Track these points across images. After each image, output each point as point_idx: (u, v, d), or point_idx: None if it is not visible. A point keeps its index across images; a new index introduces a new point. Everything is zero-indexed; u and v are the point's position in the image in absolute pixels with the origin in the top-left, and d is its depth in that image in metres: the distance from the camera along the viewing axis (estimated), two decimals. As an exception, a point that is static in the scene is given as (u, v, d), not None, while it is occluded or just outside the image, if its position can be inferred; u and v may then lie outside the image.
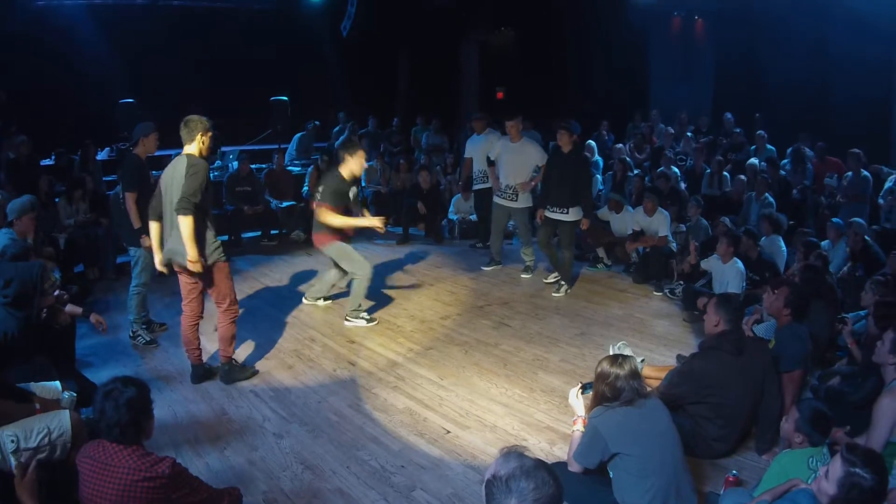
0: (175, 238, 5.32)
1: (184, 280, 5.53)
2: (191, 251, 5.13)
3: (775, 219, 8.33)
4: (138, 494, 2.93)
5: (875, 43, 10.55)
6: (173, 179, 5.24)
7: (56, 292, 5.33)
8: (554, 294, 8.15)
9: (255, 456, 4.62)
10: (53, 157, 10.82)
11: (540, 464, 2.04)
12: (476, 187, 9.92)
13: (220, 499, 3.31)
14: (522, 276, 8.87)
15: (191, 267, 5.18)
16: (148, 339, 6.56)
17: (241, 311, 7.49)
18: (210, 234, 5.36)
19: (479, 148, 9.54)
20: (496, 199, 8.87)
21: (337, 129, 14.11)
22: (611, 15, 13.94)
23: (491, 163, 8.95)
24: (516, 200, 8.65)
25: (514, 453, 2.07)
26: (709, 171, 11.10)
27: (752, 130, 12.27)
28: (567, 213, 7.95)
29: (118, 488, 2.92)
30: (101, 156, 11.71)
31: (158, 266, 5.67)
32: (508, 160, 8.59)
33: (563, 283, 8.24)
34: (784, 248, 7.97)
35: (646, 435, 3.57)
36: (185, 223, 5.06)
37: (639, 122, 14.25)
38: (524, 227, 8.85)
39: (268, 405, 5.37)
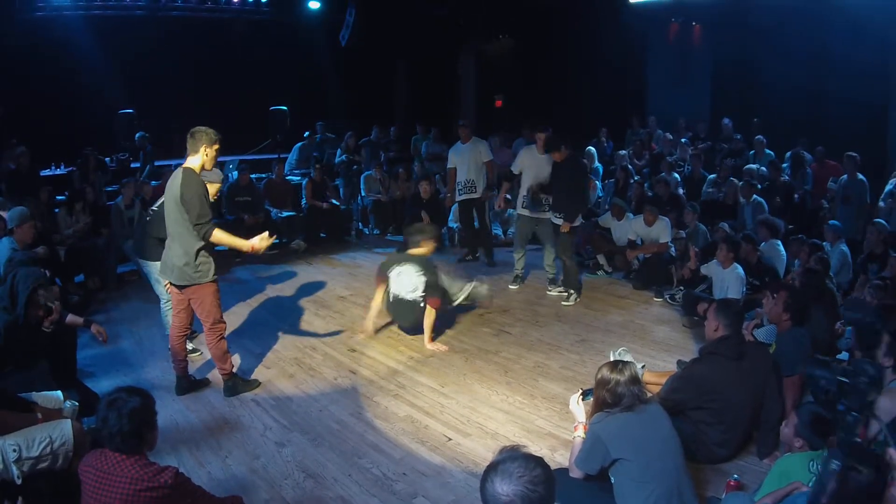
0: (167, 253, 5.37)
1: (173, 292, 5.56)
2: (243, 247, 5.38)
3: (771, 223, 8.33)
4: None
5: (872, 48, 10.59)
6: (170, 193, 5.24)
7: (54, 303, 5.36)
8: (563, 303, 8.10)
9: (257, 464, 4.62)
10: (62, 166, 11.00)
11: (530, 455, 2.16)
12: (460, 198, 9.71)
13: None
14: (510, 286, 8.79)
15: (256, 244, 5.34)
16: (189, 348, 6.38)
17: (241, 320, 7.58)
18: (204, 252, 5.32)
19: (465, 157, 9.47)
20: (520, 211, 8.57)
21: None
22: (608, 22, 13.97)
23: (512, 176, 8.67)
24: (547, 212, 8.35)
25: (509, 447, 2.22)
26: (713, 176, 11.10)
27: (749, 136, 12.30)
28: (573, 221, 7.99)
29: (120, 498, 2.92)
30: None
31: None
32: (538, 172, 8.26)
33: (571, 291, 8.20)
34: (783, 252, 7.98)
35: (647, 440, 3.57)
36: (218, 239, 5.25)
37: (637, 129, 14.28)
38: (550, 238, 8.50)
39: (269, 414, 5.37)
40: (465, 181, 9.57)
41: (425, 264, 6.77)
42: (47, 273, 6.63)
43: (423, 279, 6.66)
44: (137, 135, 11.82)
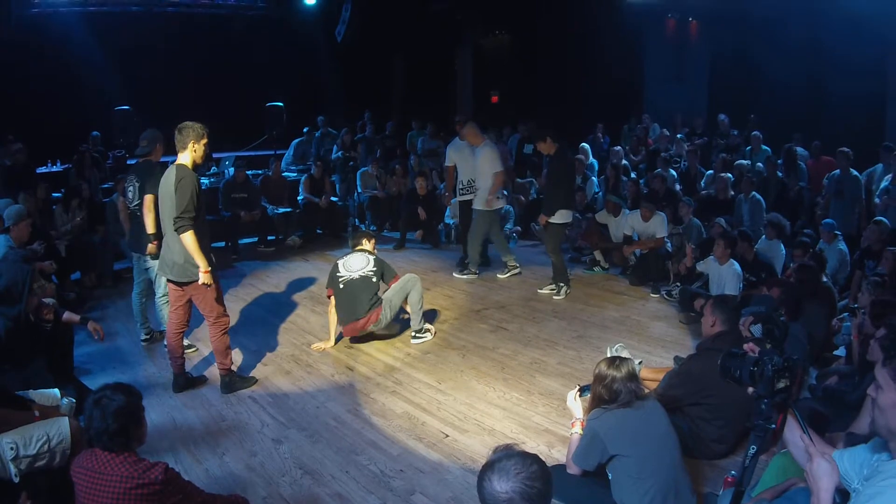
0: (167, 250, 5.34)
1: (171, 289, 5.52)
2: (201, 263, 5.15)
3: (778, 223, 8.30)
4: (132, 502, 2.93)
5: (868, 43, 10.58)
6: (165, 190, 5.22)
7: (48, 302, 5.35)
8: (555, 297, 8.13)
9: (254, 461, 4.62)
10: (58, 163, 10.91)
11: (525, 452, 2.17)
12: (460, 198, 9.37)
13: None
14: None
15: (203, 279, 5.17)
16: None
17: (238, 317, 7.57)
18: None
19: (465, 156, 9.10)
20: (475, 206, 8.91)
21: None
22: (605, 17, 13.96)
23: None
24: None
25: (502, 446, 2.22)
26: (710, 172, 11.10)
27: (746, 132, 12.30)
28: (551, 215, 7.99)
29: (112, 497, 2.91)
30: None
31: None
32: (464, 164, 9.04)
33: (561, 285, 8.21)
34: (784, 251, 7.98)
35: (644, 436, 3.58)
36: (188, 240, 5.08)
37: (634, 125, 14.29)
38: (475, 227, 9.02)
39: (266, 411, 5.36)
40: (467, 181, 9.15)
41: (372, 255, 6.86)
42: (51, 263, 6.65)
43: (371, 258, 6.74)
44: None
